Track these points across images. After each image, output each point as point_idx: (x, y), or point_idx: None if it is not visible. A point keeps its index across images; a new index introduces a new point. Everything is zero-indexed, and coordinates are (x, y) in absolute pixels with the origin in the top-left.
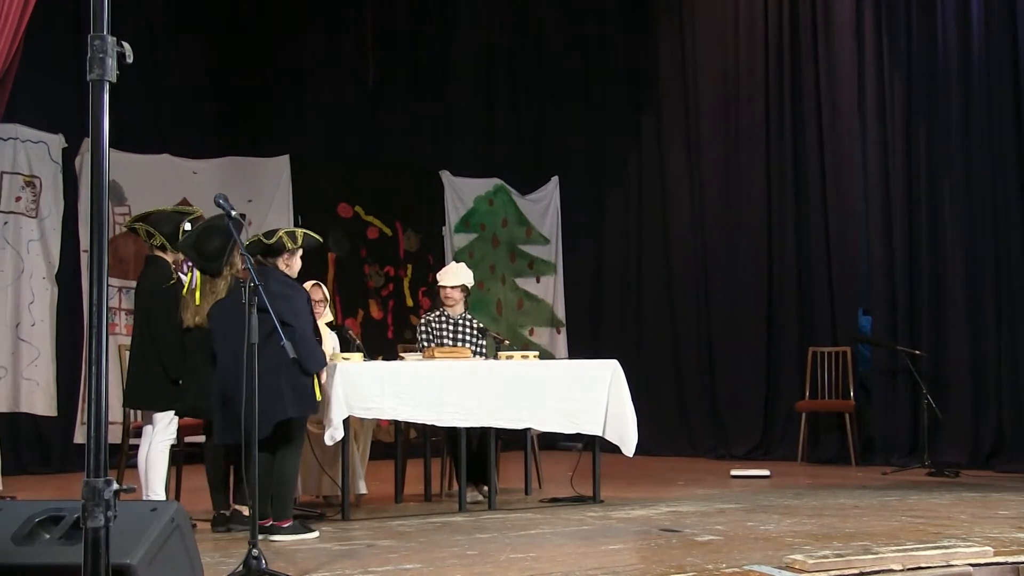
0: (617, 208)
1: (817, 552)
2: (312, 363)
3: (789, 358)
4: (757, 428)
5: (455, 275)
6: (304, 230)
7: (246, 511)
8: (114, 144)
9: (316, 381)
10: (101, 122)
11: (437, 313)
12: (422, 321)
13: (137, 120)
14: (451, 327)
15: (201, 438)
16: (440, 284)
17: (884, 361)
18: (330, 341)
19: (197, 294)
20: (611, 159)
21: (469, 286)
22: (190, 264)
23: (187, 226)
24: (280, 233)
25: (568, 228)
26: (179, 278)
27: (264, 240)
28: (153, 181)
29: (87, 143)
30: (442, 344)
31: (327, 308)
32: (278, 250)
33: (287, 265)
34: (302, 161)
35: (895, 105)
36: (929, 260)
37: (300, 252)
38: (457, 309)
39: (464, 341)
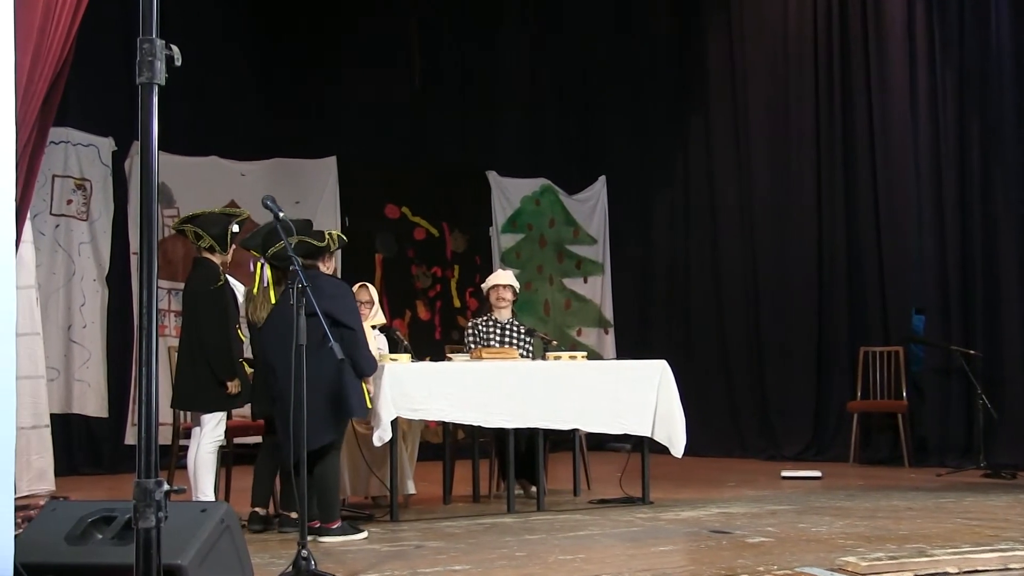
0: (665, 207)
1: (870, 554)
2: (369, 365)
3: (840, 358)
4: (808, 429)
5: (508, 275)
6: (336, 232)
7: (294, 515)
8: (163, 147)
9: (365, 385)
10: (150, 125)
11: (485, 317)
12: (469, 324)
13: (185, 123)
14: (498, 331)
15: (250, 439)
16: (493, 283)
17: (937, 361)
18: (374, 343)
19: (271, 292)
20: (659, 158)
21: (517, 290)
22: (258, 263)
23: (235, 228)
24: (328, 234)
25: (615, 228)
26: (227, 280)
27: (313, 242)
28: (201, 183)
29: (136, 146)
30: (489, 347)
31: (377, 310)
32: (323, 252)
33: (327, 267)
34: (349, 162)
35: (947, 101)
36: (983, 257)
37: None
38: (505, 313)
39: (512, 345)
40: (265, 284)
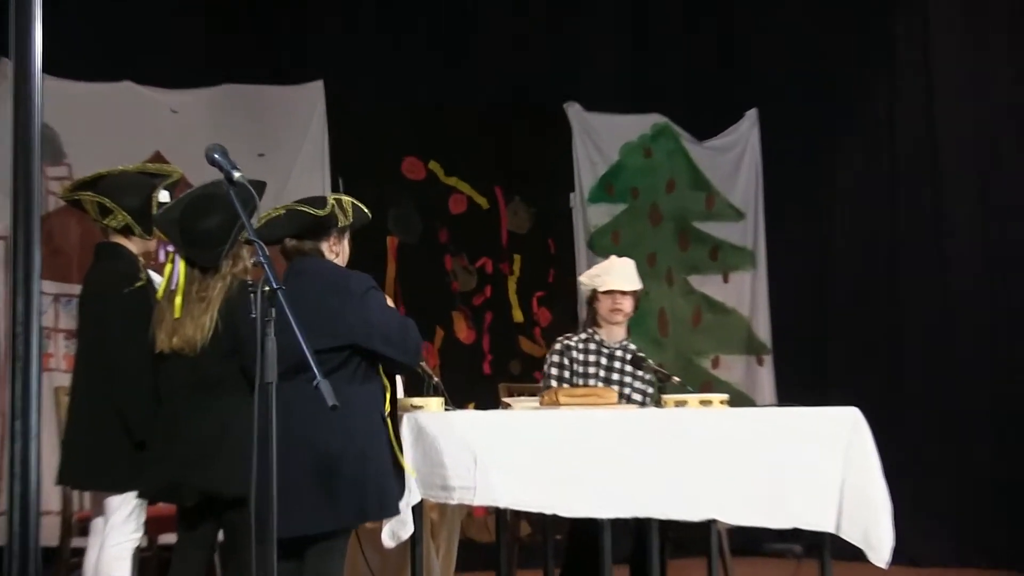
0: (856, 158)
1: None
2: (415, 354)
3: None
4: None
5: (628, 277)
6: (350, 199)
7: None
8: (49, 69)
9: (395, 439)
10: (29, 33)
11: (584, 336)
12: (556, 349)
13: (84, 31)
14: (605, 360)
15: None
16: (608, 287)
17: None
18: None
19: (178, 300)
20: (847, 76)
21: (639, 296)
22: (170, 250)
23: (163, 196)
24: (333, 201)
25: (776, 193)
26: (149, 278)
27: (311, 211)
28: (108, 125)
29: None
30: (586, 385)
31: None
32: (327, 227)
33: (334, 253)
34: (346, 92)
35: None
36: None
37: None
38: (618, 332)
39: (618, 385)
40: (174, 287)
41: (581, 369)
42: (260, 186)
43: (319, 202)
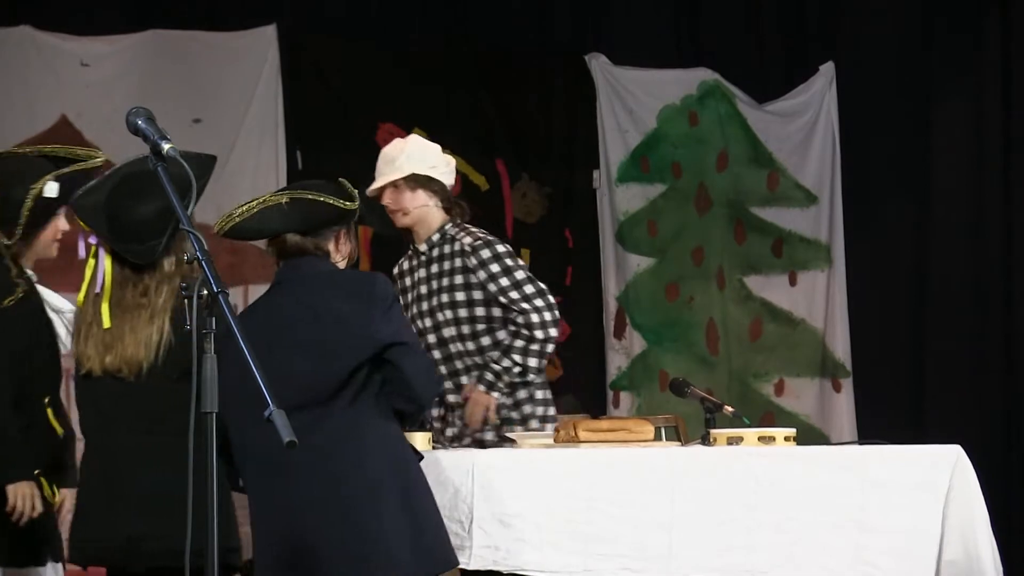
0: (960, 126)
1: None
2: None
3: None
4: None
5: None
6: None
7: None
8: None
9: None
10: None
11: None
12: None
13: None
14: (424, 271)
15: None
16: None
17: None
18: None
19: (105, 307)
20: (948, 21)
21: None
22: (92, 242)
23: (50, 188)
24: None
25: (858, 172)
26: (29, 289)
27: (336, 201)
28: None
29: None
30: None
31: None
32: (343, 221)
33: (340, 253)
34: (305, 38)
35: None
36: None
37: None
38: (424, 228)
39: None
40: (99, 290)
41: (412, 294)
42: (207, 162)
43: (327, 188)
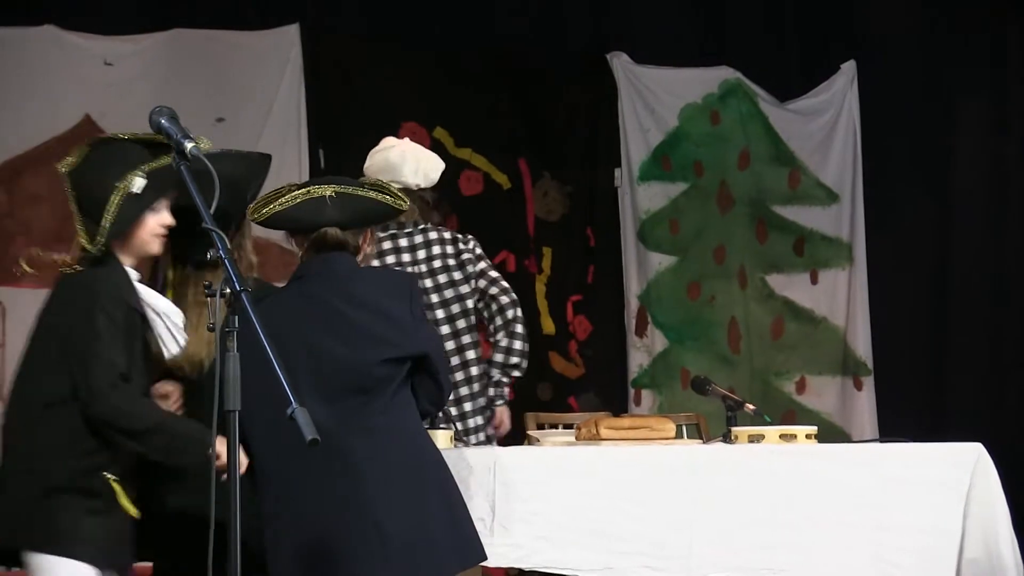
0: (982, 125)
1: None
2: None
3: None
4: None
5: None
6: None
7: None
8: None
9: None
10: None
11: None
12: None
13: None
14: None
15: None
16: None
17: None
18: None
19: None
20: (970, 21)
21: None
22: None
23: (136, 184)
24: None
25: (880, 170)
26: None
27: (385, 198)
28: (25, 80)
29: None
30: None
31: None
32: (384, 219)
33: (364, 252)
34: (328, 37)
35: None
36: None
37: None
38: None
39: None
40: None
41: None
42: (260, 161)
43: (365, 185)
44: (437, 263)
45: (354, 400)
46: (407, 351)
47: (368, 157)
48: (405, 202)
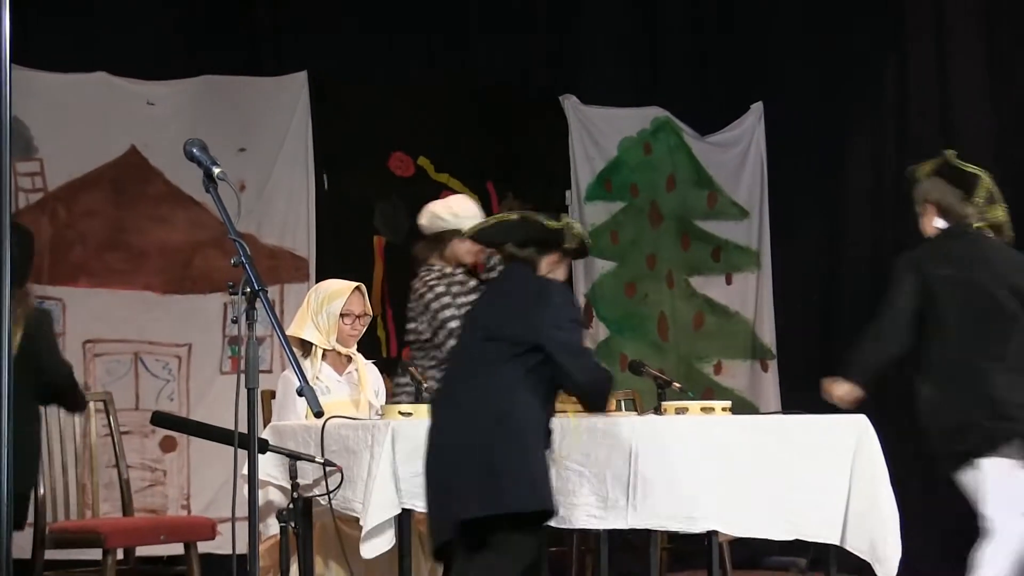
0: (866, 155)
1: None
2: (591, 378)
3: None
4: None
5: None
6: (580, 228)
7: None
8: (18, 58)
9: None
10: None
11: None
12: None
13: (51, 18)
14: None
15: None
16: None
17: None
18: (369, 382)
19: None
20: (856, 70)
21: None
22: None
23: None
24: (564, 223)
25: (781, 191)
26: None
27: (546, 222)
28: (82, 117)
29: None
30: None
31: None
32: (552, 243)
33: (550, 272)
34: (330, 83)
35: None
36: None
37: None
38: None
39: None
40: None
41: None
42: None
43: (552, 218)
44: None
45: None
46: (517, 336)
47: (432, 217)
48: (558, 226)
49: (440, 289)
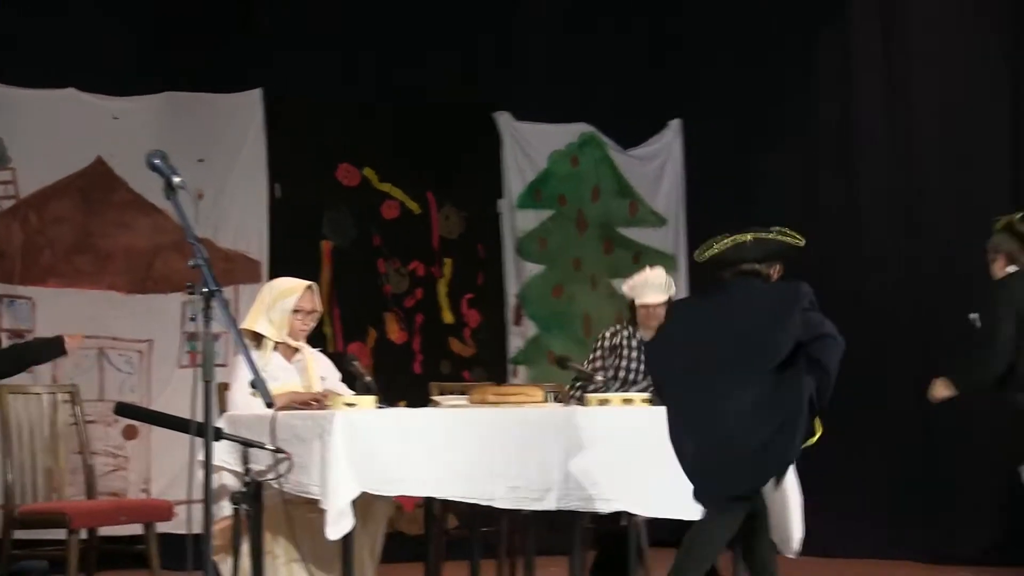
0: (775, 169)
1: None
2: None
3: None
4: (995, 517)
5: (657, 288)
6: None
7: None
8: None
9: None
10: None
11: (631, 333)
12: (608, 335)
13: (26, 37)
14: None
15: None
16: (641, 303)
17: None
18: (315, 367)
19: None
20: (767, 92)
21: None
22: None
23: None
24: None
25: (697, 201)
26: None
27: (790, 239)
28: (53, 130)
29: None
30: (625, 384)
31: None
32: (785, 255)
33: (773, 278)
34: (281, 98)
35: None
36: None
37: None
38: (648, 335)
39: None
40: None
41: (626, 363)
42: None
43: (763, 232)
44: None
45: (750, 370)
46: (786, 339)
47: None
48: (801, 243)
49: None
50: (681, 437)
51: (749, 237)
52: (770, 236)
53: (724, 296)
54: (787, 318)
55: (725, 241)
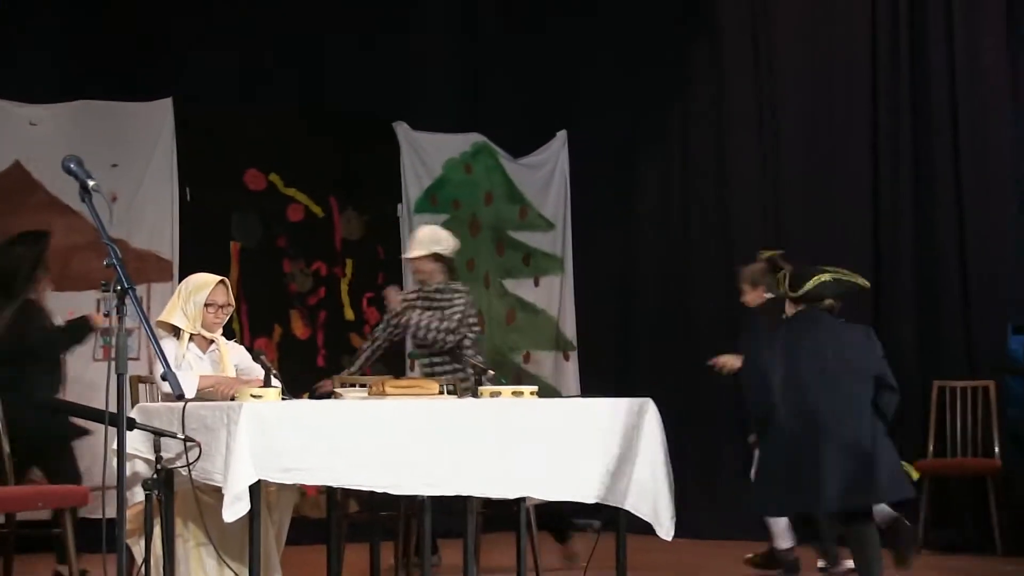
0: (654, 178)
1: None
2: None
3: (906, 397)
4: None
5: (419, 243)
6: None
7: None
8: None
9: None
10: None
11: (415, 289)
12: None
13: None
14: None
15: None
16: (404, 256)
17: None
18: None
19: None
20: (647, 106)
21: (445, 253)
22: None
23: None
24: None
25: (582, 206)
26: None
27: (860, 283)
28: None
29: None
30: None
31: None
32: (847, 291)
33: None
34: (191, 106)
35: None
36: None
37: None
38: (435, 278)
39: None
40: None
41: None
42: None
43: (840, 272)
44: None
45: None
46: (871, 371)
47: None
48: (868, 285)
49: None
50: (818, 446)
51: (828, 277)
52: (846, 278)
53: (816, 326)
54: (872, 353)
55: (816, 278)
